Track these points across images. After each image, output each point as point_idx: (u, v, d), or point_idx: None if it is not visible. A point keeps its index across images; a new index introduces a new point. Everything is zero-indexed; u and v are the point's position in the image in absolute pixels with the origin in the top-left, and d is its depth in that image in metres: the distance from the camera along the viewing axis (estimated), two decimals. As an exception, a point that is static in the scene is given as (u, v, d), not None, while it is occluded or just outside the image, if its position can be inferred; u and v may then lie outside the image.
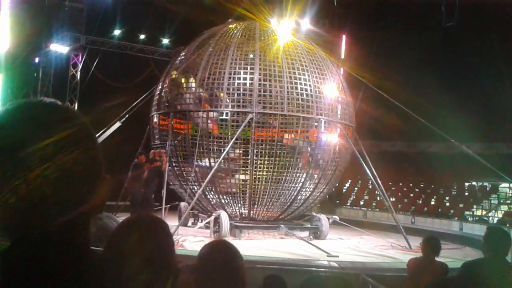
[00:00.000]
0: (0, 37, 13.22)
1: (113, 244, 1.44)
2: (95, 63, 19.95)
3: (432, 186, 20.81)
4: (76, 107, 19.93)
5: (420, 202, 19.83)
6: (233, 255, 2.02)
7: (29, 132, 0.97)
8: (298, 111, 12.22)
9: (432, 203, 19.56)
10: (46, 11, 18.31)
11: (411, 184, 21.46)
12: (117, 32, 20.79)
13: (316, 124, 12.47)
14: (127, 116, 13.22)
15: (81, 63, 20.31)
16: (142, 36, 21.37)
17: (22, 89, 17.16)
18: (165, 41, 21.74)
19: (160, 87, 13.41)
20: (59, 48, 19.43)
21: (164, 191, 12.05)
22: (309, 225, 13.36)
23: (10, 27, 13.64)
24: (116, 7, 19.72)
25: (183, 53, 13.44)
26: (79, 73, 20.38)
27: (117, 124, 13.01)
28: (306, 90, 12.20)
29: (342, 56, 20.67)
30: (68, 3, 19.34)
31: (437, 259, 5.40)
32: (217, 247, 2.09)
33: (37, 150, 0.95)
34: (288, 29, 13.76)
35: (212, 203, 12.94)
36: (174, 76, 12.88)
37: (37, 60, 19.51)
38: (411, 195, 20.67)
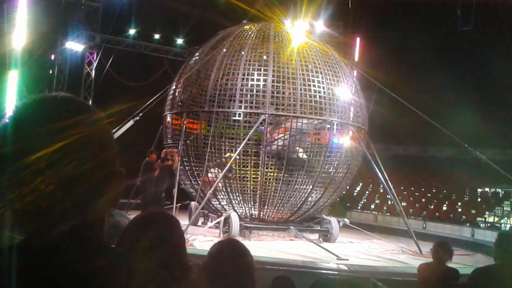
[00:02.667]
0: (16, 34, 13.35)
1: (125, 239, 1.46)
2: (110, 62, 20.10)
3: (444, 191, 20.64)
4: (90, 105, 20.05)
5: (432, 207, 19.67)
6: (242, 252, 2.03)
7: (47, 126, 0.98)
8: (311, 113, 12.22)
9: (444, 208, 19.40)
10: (63, 9, 18.50)
11: (423, 189, 21.30)
12: (132, 31, 20.95)
13: (329, 126, 12.45)
14: (140, 114, 13.30)
15: (96, 62, 20.48)
16: (156, 36, 21.51)
17: (37, 86, 17.32)
18: (180, 41, 21.85)
19: (174, 87, 13.48)
20: (75, 46, 19.61)
21: (175, 190, 12.10)
22: (319, 228, 13.33)
23: (27, 25, 13.77)
24: (131, 7, 19.86)
25: (198, 53, 13.49)
26: (93, 71, 20.54)
27: (131, 123, 13.09)
28: (319, 92, 12.17)
29: (356, 59, 20.60)
30: (84, 2, 19.51)
31: (448, 264, 5.36)
32: (227, 245, 2.10)
33: (54, 144, 0.96)
34: (302, 31, 13.74)
35: (222, 203, 12.97)
36: (188, 76, 12.93)
37: (52, 57, 19.71)
38: (423, 200, 20.52)
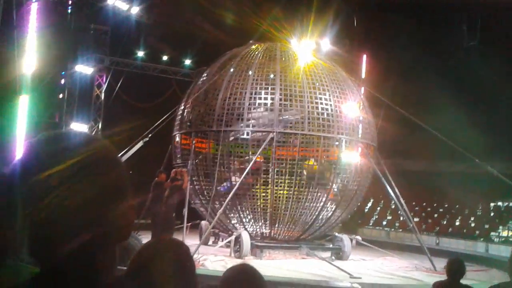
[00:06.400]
0: (27, 59, 13.55)
1: (134, 269, 1.46)
2: (119, 84, 20.32)
3: (457, 206, 20.44)
4: (100, 127, 20.30)
5: (445, 222, 19.48)
6: (256, 278, 2.02)
7: (55, 164, 1.00)
8: (319, 130, 12.22)
9: (457, 223, 19.20)
10: (72, 33, 18.74)
11: (435, 204, 21.11)
12: (140, 53, 21.21)
13: (337, 143, 12.44)
14: (150, 135, 13.38)
15: (105, 84, 20.70)
16: (165, 57, 21.74)
17: (47, 110, 17.49)
18: (188, 62, 22.06)
19: (182, 107, 13.58)
20: (84, 69, 19.84)
21: (185, 210, 12.10)
22: (331, 246, 13.22)
23: (37, 50, 13.97)
24: (139, 29, 20.13)
25: (205, 74, 13.61)
26: (103, 93, 20.76)
27: (140, 144, 13.17)
28: (326, 109, 12.21)
29: (363, 76, 20.64)
30: (93, 26, 19.81)
31: (462, 281, 5.28)
32: (241, 271, 2.08)
33: (67, 181, 0.98)
34: (308, 50, 13.83)
35: (233, 222, 12.93)
36: (196, 96, 13.03)
37: (62, 82, 19.93)
38: (436, 215, 20.33)
